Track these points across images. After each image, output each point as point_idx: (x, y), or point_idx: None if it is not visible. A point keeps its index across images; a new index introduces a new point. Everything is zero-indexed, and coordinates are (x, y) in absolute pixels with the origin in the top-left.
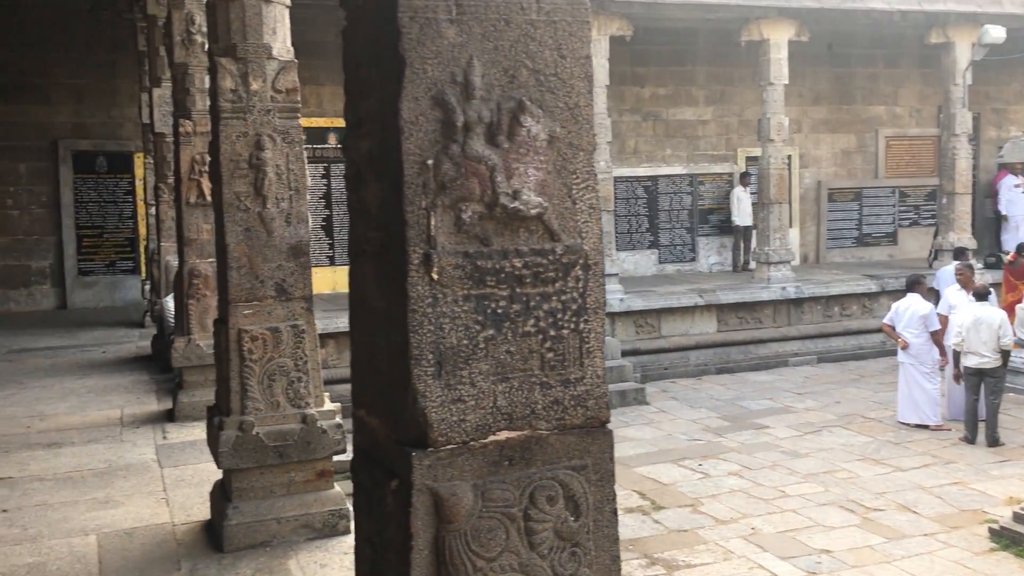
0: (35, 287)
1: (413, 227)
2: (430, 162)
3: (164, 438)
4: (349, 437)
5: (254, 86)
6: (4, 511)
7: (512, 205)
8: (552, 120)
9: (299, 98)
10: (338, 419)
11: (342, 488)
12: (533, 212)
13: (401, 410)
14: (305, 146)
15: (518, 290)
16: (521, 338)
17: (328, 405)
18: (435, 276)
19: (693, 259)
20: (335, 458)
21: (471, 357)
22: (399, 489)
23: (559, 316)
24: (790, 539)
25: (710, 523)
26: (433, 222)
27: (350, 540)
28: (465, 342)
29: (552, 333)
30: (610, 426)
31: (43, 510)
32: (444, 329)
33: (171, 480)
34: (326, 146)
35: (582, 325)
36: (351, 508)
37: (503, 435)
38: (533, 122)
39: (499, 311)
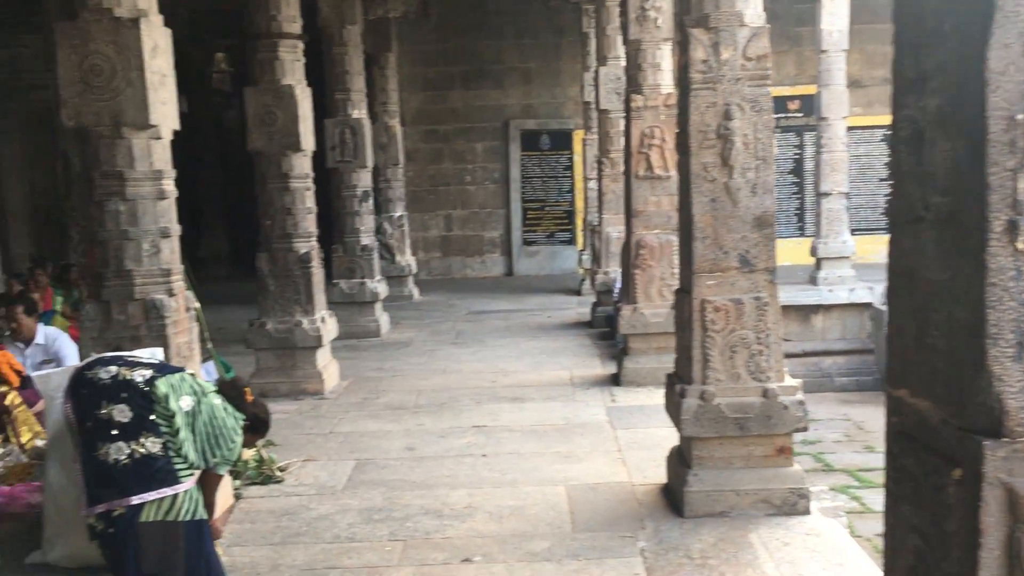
0: (487, 255)
1: (996, 191)
2: (1020, 117)
3: (612, 400)
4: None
5: (724, 55)
6: (484, 456)
7: None
8: None
9: (769, 65)
10: (799, 396)
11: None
12: None
13: (967, 394)
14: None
15: None
16: None
17: (789, 380)
18: (1020, 246)
19: None
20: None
21: None
22: (964, 480)
23: None
24: None
25: None
26: (1020, 185)
27: (811, 521)
28: None
29: None
30: None
31: (515, 458)
32: None
33: (624, 441)
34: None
35: None
36: (810, 488)
37: None
38: None
39: None
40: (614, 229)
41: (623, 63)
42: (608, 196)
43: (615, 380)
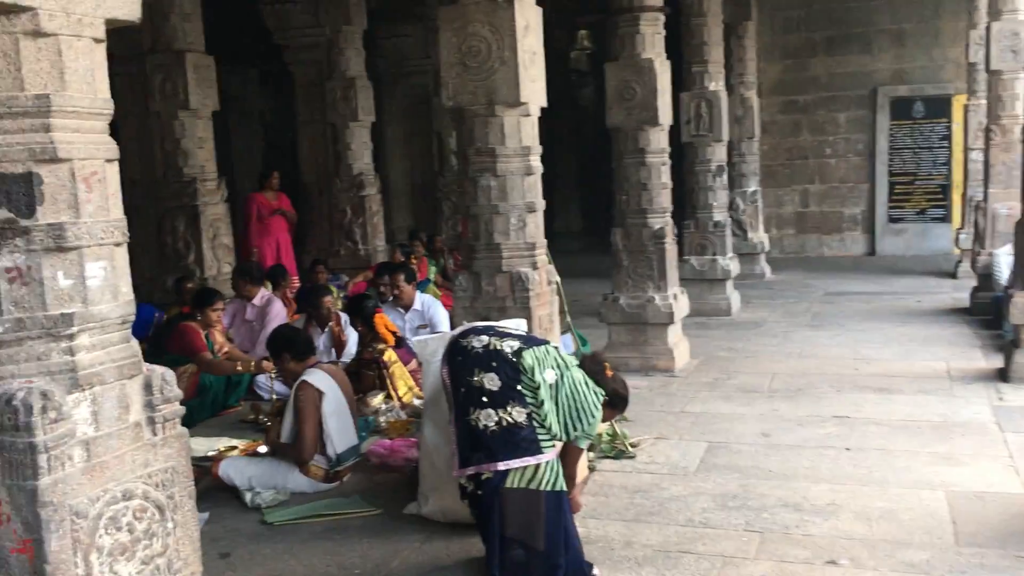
0: (846, 233)
1: None
2: None
3: (1000, 399)
4: None
5: None
6: (847, 449)
7: None
8: None
9: None
10: None
11: None
12: None
13: None
14: None
15: None
16: None
17: None
18: None
19: None
20: None
21: None
22: None
23: None
24: None
25: None
26: None
27: None
28: None
29: None
30: None
31: (883, 455)
32: None
33: (1016, 446)
34: None
35: None
36: None
37: None
38: None
39: None
40: (1002, 205)
41: (1022, 16)
42: (996, 168)
43: (1002, 376)
